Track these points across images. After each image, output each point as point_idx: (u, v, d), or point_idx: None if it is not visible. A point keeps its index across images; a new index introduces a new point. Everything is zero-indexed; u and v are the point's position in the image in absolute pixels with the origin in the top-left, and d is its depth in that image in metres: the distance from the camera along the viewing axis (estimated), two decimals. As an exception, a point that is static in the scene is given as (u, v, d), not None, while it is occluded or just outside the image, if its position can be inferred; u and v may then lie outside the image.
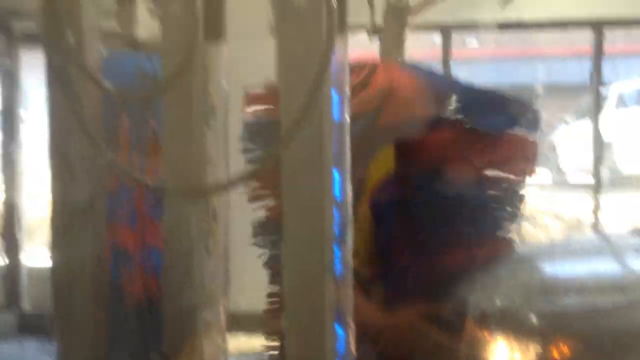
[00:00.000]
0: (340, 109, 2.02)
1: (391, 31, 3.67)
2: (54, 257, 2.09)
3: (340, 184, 2.05)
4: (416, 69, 3.36)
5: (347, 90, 2.05)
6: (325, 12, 1.83)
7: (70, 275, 2.05)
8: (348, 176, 2.08)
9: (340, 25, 1.91)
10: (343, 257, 2.03)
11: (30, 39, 3.95)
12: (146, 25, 3.15)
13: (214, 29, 2.10)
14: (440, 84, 3.29)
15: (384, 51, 3.70)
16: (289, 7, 1.92)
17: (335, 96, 2.00)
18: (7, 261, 4.73)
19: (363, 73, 3.01)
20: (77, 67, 1.97)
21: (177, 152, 2.07)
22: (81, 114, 1.96)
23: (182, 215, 2.03)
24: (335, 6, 1.83)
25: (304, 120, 1.83)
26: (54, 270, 2.08)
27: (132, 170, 1.97)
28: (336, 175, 2.03)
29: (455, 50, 5.67)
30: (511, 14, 4.67)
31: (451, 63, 5.57)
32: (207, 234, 2.07)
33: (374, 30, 3.65)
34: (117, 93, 2.18)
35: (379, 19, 3.64)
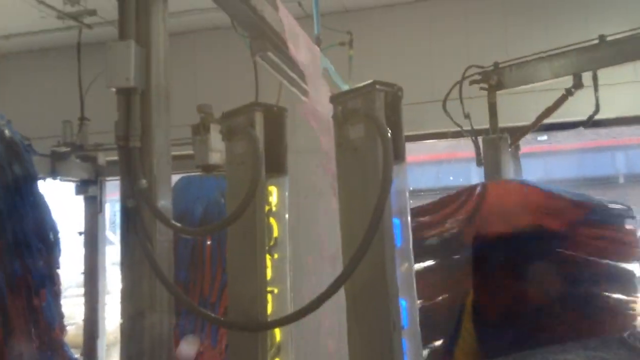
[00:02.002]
0: (402, 235, 2.01)
1: (492, 159, 4.21)
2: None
3: (407, 312, 2.00)
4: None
5: (409, 216, 2.05)
6: (381, 143, 1.88)
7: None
8: (415, 303, 2.03)
9: (397, 154, 1.94)
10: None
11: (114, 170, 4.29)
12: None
13: (277, 164, 2.19)
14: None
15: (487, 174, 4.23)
16: (347, 139, 1.99)
17: (397, 222, 2.00)
18: (87, 377, 4.82)
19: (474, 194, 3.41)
20: (149, 208, 2.08)
21: (241, 283, 2.10)
22: (151, 253, 2.04)
23: (246, 348, 2.02)
24: (390, 137, 1.87)
25: (367, 250, 1.82)
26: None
27: (199, 309, 2.00)
28: (402, 302, 1.99)
29: (527, 146, 5.62)
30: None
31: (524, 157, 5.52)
32: (274, 368, 2.04)
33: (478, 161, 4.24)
34: (184, 231, 2.27)
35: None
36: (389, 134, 1.87)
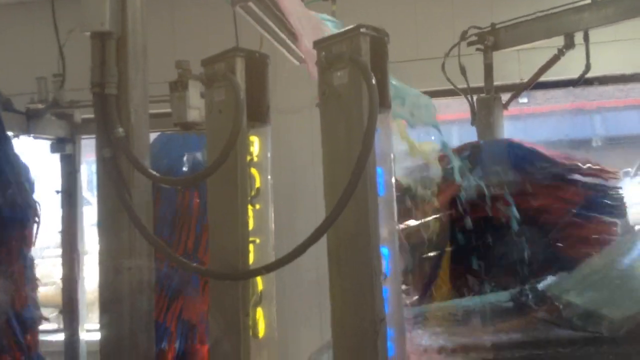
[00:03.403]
0: (385, 184, 1.99)
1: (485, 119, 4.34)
2: (103, 336, 2.09)
3: (389, 260, 1.99)
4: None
5: (392, 165, 2.02)
6: (366, 90, 1.83)
7: (118, 350, 2.03)
8: (397, 251, 2.02)
9: (382, 102, 1.90)
10: (395, 337, 1.94)
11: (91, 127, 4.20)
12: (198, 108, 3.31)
13: (258, 112, 2.14)
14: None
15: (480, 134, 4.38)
16: (331, 86, 1.94)
17: (380, 172, 1.97)
18: (67, 336, 4.80)
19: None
20: (125, 157, 2.02)
21: (223, 233, 2.07)
22: (129, 203, 1.99)
23: (228, 297, 2.01)
24: (375, 83, 1.83)
25: (349, 198, 1.80)
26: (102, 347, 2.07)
27: (178, 257, 1.97)
28: (385, 251, 1.98)
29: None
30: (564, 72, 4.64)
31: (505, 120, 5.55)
32: (253, 316, 2.03)
33: (474, 120, 4.36)
34: (162, 180, 2.22)
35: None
36: (374, 80, 1.82)
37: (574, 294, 2.83)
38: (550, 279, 3.19)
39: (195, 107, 3.61)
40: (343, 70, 1.91)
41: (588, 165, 4.00)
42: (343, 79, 1.92)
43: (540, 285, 3.03)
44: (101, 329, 2.05)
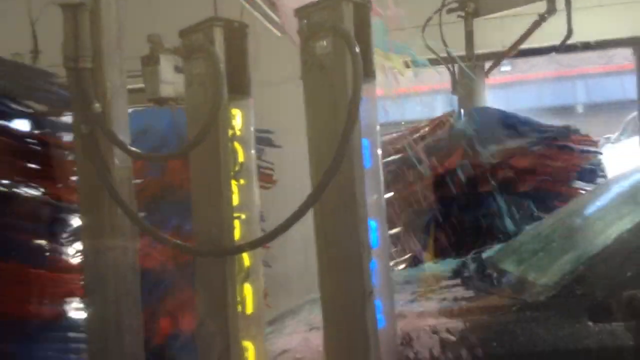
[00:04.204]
0: (371, 156, 1.95)
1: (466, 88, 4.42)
2: (89, 317, 2.05)
3: (377, 232, 1.97)
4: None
5: (378, 135, 1.99)
6: (350, 59, 1.78)
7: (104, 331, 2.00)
8: (384, 223, 2.00)
9: (366, 72, 1.85)
10: (384, 310, 1.93)
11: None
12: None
13: (239, 84, 2.08)
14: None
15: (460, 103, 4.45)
16: (313, 56, 1.89)
17: (366, 143, 1.94)
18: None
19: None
20: (104, 133, 1.96)
21: (206, 209, 2.03)
22: (109, 181, 1.94)
23: (214, 274, 1.98)
24: (359, 52, 1.77)
25: (336, 171, 1.77)
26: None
27: (161, 235, 1.93)
28: (372, 223, 1.95)
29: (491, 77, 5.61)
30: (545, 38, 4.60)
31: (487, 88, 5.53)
32: (241, 292, 2.01)
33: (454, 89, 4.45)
34: (142, 156, 2.17)
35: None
36: (358, 49, 1.77)
37: (510, 262, 2.82)
38: (496, 247, 3.20)
39: (169, 82, 3.51)
40: (326, 39, 1.86)
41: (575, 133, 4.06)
42: (326, 49, 1.87)
43: (485, 254, 3.02)
44: (87, 309, 2.01)
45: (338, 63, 1.84)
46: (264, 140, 3.69)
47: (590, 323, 2.21)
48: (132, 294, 1.99)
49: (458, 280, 2.76)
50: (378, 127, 1.98)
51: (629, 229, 2.40)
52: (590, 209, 3.09)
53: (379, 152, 1.99)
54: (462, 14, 4.34)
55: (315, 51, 1.89)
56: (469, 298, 2.55)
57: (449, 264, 3.13)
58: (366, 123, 1.91)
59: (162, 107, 3.42)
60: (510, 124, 3.99)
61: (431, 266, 3.46)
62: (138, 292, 2.02)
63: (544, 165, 3.90)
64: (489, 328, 2.27)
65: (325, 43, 1.86)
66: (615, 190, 3.18)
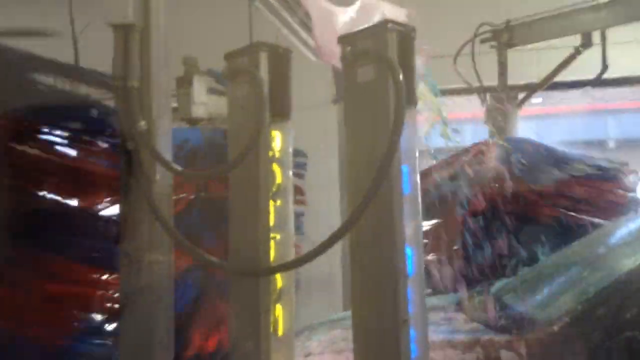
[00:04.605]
0: (410, 182, 1.96)
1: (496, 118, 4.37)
2: (122, 330, 2.07)
3: (413, 259, 1.96)
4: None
5: (417, 162, 2.00)
6: (393, 86, 1.81)
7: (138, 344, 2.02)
8: (421, 251, 1.99)
9: (408, 98, 1.87)
10: (418, 338, 1.92)
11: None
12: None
13: (280, 108, 2.12)
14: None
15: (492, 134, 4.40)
16: (355, 82, 1.92)
17: (405, 169, 1.95)
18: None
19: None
20: (148, 151, 2.01)
21: (244, 229, 2.05)
22: (151, 196, 1.98)
23: (248, 293, 1.99)
24: (402, 80, 1.80)
25: (374, 197, 1.78)
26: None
27: (199, 252, 1.95)
28: (409, 250, 1.95)
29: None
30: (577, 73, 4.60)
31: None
32: (273, 313, 2.01)
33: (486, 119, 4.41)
34: (184, 174, 2.21)
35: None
36: (401, 76, 1.79)
37: (512, 296, 2.79)
38: (504, 281, 3.15)
39: (201, 103, 3.59)
40: (368, 65, 1.89)
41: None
42: (368, 75, 1.89)
43: (493, 288, 2.99)
44: (121, 322, 2.04)
45: (380, 89, 1.86)
46: (299, 164, 3.73)
47: None
48: (167, 309, 2.01)
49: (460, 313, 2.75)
50: (417, 154, 1.99)
51: (631, 270, 2.37)
52: (600, 246, 3.04)
53: (418, 178, 2.00)
54: (495, 44, 4.36)
55: (357, 77, 1.91)
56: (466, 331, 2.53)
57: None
58: (406, 149, 1.92)
59: (195, 127, 3.50)
60: (557, 155, 3.93)
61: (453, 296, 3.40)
62: (172, 308, 2.04)
63: (599, 196, 3.80)
64: None
65: (368, 69, 1.89)
66: (623, 229, 3.14)
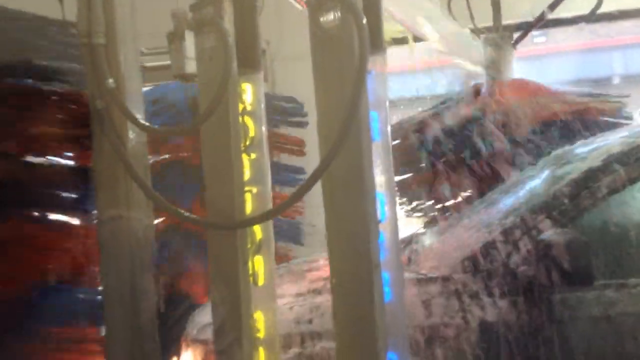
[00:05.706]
0: (380, 130, 1.94)
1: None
2: (104, 287, 2.11)
3: (385, 205, 1.96)
4: None
5: (387, 110, 1.97)
6: (356, 31, 1.77)
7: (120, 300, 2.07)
8: (393, 196, 1.99)
9: (375, 44, 1.83)
10: (392, 282, 1.94)
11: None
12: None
13: (250, 59, 2.09)
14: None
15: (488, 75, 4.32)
16: (322, 28, 1.87)
17: (374, 116, 1.92)
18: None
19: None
20: (118, 108, 2.00)
21: (218, 183, 2.06)
22: (124, 155, 1.98)
23: (225, 247, 2.01)
24: (365, 24, 1.75)
25: (343, 143, 1.77)
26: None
27: (174, 208, 1.97)
28: (380, 196, 1.95)
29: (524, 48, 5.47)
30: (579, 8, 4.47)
31: (520, 60, 5.40)
32: (253, 265, 2.04)
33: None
34: (154, 130, 2.20)
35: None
36: (365, 21, 1.75)
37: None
38: None
39: (194, 58, 3.54)
40: (334, 11, 1.84)
41: None
42: (334, 21, 1.85)
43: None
44: (103, 279, 2.08)
45: (346, 35, 1.82)
46: (289, 110, 3.69)
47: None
48: (146, 262, 2.05)
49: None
50: (387, 102, 1.96)
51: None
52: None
53: (389, 128, 1.97)
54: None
55: (323, 23, 1.87)
56: None
57: None
58: (375, 96, 1.90)
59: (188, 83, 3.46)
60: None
61: None
62: (152, 264, 2.08)
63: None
64: None
65: (333, 16, 1.85)
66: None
